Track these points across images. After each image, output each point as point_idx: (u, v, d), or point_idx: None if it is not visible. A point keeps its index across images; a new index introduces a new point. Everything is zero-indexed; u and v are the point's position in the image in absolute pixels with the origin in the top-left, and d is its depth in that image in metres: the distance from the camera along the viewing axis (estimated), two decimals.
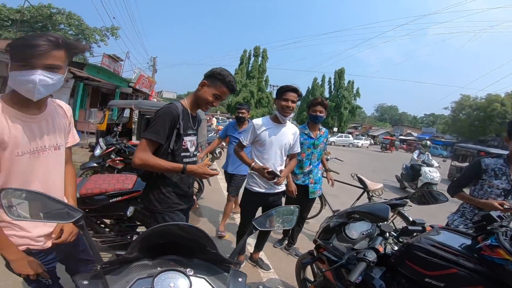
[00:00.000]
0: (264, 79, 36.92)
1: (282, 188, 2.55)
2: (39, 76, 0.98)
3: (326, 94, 40.12)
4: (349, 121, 41.69)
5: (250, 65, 36.32)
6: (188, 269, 0.85)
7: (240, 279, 0.90)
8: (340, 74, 39.60)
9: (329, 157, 4.60)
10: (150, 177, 1.65)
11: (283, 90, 2.34)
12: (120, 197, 2.34)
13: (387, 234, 1.41)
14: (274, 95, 4.44)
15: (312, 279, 2.11)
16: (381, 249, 1.32)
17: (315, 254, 1.81)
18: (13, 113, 1.04)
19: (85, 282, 0.78)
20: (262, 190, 2.42)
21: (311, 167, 2.90)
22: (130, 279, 0.81)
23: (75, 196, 1.39)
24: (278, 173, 2.28)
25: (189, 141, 1.67)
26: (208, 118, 13.01)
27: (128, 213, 2.40)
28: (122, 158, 4.65)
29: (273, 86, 38.45)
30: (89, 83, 11.02)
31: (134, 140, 5.70)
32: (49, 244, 1.21)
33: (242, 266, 2.71)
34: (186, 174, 1.60)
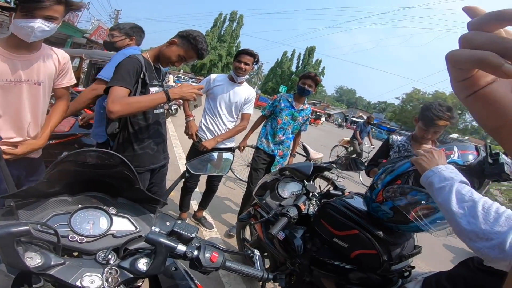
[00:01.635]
0: (236, 44, 35.76)
1: (231, 144, 2.58)
2: (38, 23, 1.20)
3: (293, 69, 40.34)
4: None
5: (224, 29, 34.83)
6: (110, 208, 0.81)
7: (168, 223, 0.85)
8: (310, 51, 39.89)
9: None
10: (120, 134, 1.57)
11: (240, 52, 2.40)
12: (54, 140, 2.10)
13: (311, 194, 1.55)
14: None
15: (250, 239, 2.19)
16: (303, 207, 1.40)
17: (252, 212, 1.87)
18: (1, 51, 1.24)
19: None
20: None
21: (283, 137, 2.76)
22: (45, 214, 0.75)
23: (52, 129, 1.50)
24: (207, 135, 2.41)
25: (156, 92, 1.59)
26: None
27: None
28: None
29: None
30: None
31: (80, 88, 5.17)
32: None
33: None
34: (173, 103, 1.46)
